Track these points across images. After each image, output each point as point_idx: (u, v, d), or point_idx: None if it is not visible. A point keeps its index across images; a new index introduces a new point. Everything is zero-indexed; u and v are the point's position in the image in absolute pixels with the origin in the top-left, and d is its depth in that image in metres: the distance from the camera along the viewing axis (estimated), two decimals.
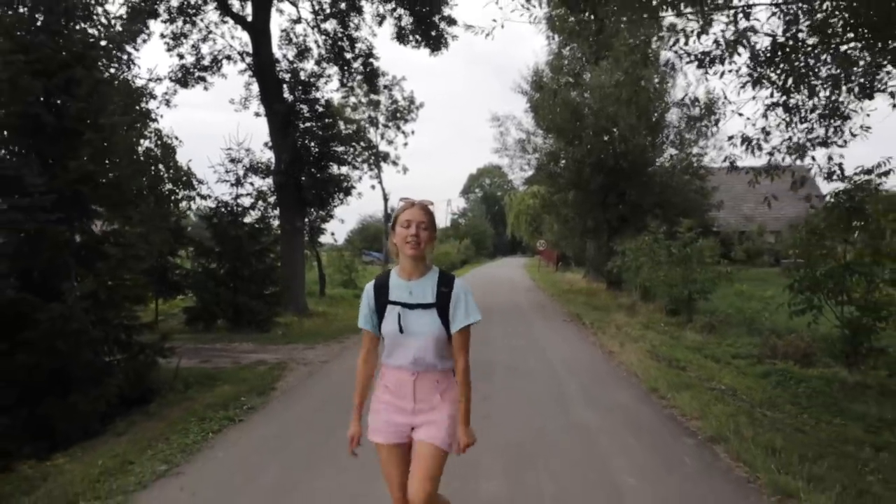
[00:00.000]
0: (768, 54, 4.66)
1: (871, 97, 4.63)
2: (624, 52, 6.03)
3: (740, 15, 4.48)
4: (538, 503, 3.32)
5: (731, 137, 5.36)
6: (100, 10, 6.66)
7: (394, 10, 13.37)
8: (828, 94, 4.73)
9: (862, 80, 4.43)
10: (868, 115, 4.81)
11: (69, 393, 5.41)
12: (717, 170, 15.14)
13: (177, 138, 10.85)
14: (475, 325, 2.19)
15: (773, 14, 4.51)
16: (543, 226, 30.82)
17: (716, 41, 4.65)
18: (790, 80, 4.69)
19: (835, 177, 5.20)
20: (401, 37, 13.59)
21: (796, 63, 4.86)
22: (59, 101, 5.92)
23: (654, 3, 4.30)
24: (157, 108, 11.12)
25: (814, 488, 3.22)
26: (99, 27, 6.72)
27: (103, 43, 6.38)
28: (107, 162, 6.42)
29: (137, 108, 9.79)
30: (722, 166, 6.52)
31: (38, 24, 6.04)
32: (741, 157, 5.64)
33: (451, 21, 13.26)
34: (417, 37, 13.40)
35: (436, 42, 13.37)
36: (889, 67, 4.44)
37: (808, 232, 6.25)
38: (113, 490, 3.56)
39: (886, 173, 6.26)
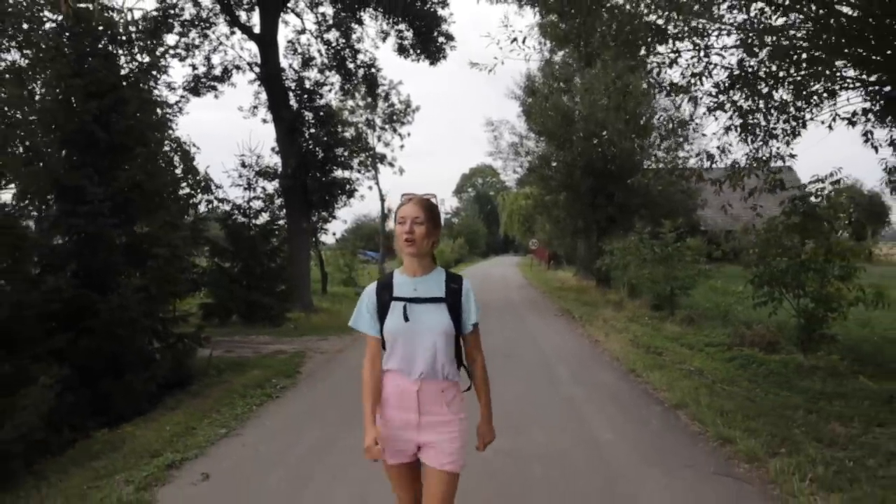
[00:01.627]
0: (726, 84, 5.54)
1: (804, 126, 5.54)
2: (612, 78, 6.87)
3: (702, 52, 5.35)
4: (534, 452, 4.17)
5: (698, 154, 6.25)
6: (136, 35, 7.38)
7: (396, 23, 14.19)
8: (773, 119, 5.63)
9: (796, 111, 5.34)
10: (799, 140, 5.75)
11: (123, 375, 6.21)
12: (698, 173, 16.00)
13: (194, 145, 11.56)
14: None
15: (731, 54, 5.40)
16: (536, 225, 31.58)
17: (682, 74, 5.53)
18: (745, 105, 5.58)
19: (777, 190, 6.11)
20: (402, 50, 14.42)
21: (752, 90, 5.75)
22: (109, 119, 6.70)
23: (631, 40, 5.14)
24: (174, 116, 11.82)
25: (748, 436, 4.11)
26: (135, 50, 7.46)
27: (145, 64, 7.13)
28: (148, 172, 7.20)
29: (155, 117, 10.51)
30: (693, 172, 7.39)
31: (88, 49, 6.81)
32: (708, 169, 6.52)
33: (450, 36, 14.13)
34: (418, 50, 14.24)
35: (435, 55, 14.21)
36: (824, 94, 5.34)
37: (767, 231, 7.13)
38: (188, 446, 4.38)
39: (837, 182, 7.19)
